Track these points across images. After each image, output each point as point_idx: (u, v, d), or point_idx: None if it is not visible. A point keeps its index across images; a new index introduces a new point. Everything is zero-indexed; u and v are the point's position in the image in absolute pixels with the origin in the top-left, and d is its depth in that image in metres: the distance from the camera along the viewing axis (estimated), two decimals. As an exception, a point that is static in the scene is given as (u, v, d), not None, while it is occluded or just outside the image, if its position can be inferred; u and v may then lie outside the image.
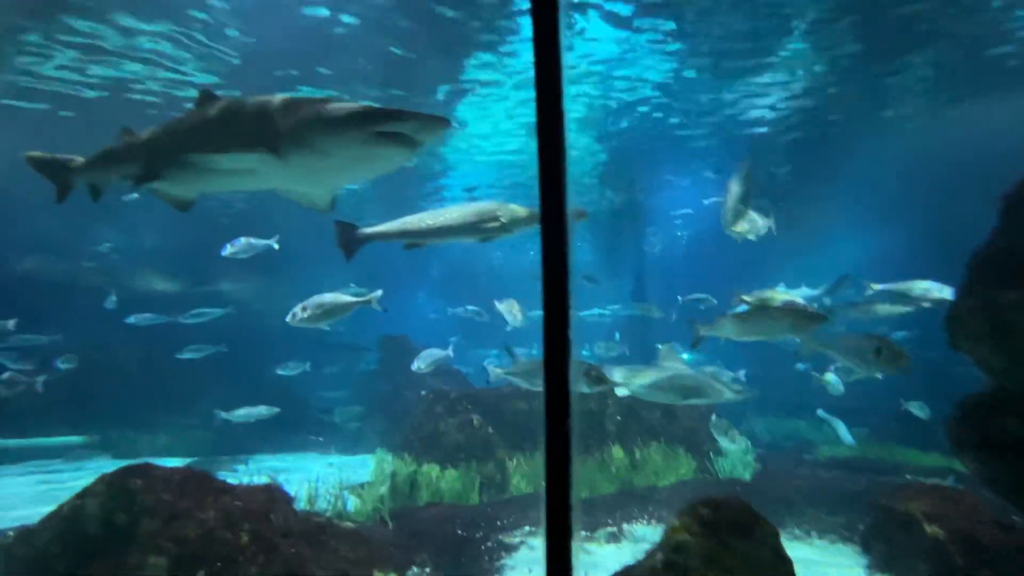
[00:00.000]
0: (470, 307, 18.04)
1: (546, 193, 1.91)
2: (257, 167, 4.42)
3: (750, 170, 7.75)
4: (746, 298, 8.06)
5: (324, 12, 10.63)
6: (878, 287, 13.09)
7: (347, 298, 8.68)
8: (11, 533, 7.25)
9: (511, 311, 10.40)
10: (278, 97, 4.31)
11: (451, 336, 18.30)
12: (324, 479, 9.06)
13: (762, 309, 7.32)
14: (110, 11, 10.48)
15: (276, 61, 12.18)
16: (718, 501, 3.67)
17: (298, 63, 12.32)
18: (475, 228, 6.23)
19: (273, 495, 5.52)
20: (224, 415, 12.39)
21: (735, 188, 7.76)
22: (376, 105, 4.05)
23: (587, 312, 24.44)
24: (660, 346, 8.02)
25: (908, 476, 9.37)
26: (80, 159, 5.91)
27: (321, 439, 16.56)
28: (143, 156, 5.11)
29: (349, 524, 6.16)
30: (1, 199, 16.76)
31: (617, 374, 7.54)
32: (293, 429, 16.63)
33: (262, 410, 12.40)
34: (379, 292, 8.85)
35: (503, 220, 6.15)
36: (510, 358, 8.81)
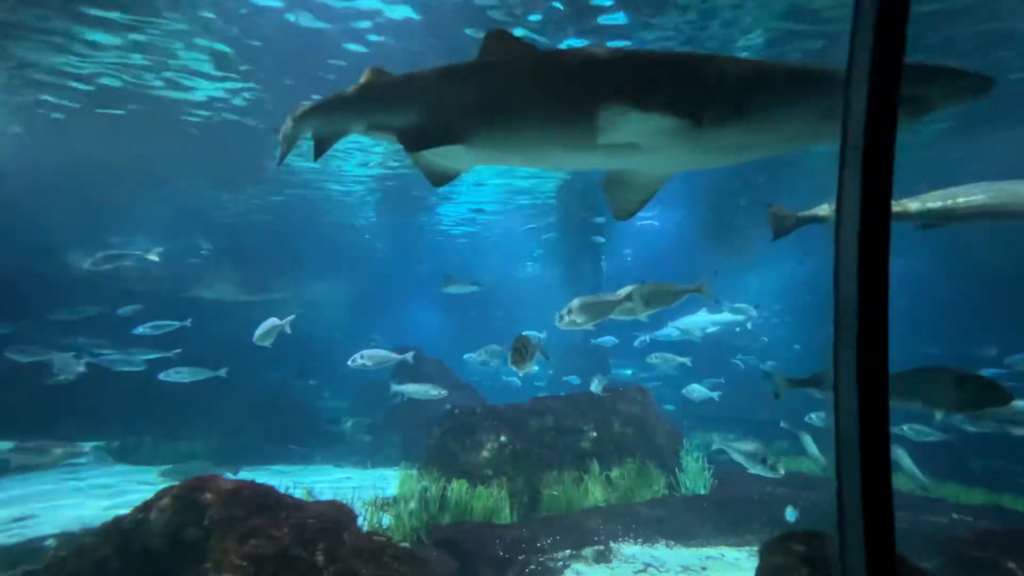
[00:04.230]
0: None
1: (868, 212, 1.80)
2: (648, 141, 3.19)
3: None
4: None
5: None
6: None
7: (275, 322, 10.39)
8: (53, 541, 7.05)
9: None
10: (690, 53, 3.35)
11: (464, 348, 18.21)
12: (349, 493, 8.86)
13: None
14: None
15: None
16: (808, 536, 3.50)
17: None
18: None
19: (342, 512, 5.37)
20: (397, 387, 12.87)
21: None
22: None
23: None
24: None
25: (955, 515, 8.67)
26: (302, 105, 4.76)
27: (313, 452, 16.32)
28: (433, 107, 3.84)
29: (405, 544, 6.00)
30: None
31: None
32: (302, 440, 16.39)
33: (429, 389, 12.34)
34: (292, 317, 10.55)
35: None
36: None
